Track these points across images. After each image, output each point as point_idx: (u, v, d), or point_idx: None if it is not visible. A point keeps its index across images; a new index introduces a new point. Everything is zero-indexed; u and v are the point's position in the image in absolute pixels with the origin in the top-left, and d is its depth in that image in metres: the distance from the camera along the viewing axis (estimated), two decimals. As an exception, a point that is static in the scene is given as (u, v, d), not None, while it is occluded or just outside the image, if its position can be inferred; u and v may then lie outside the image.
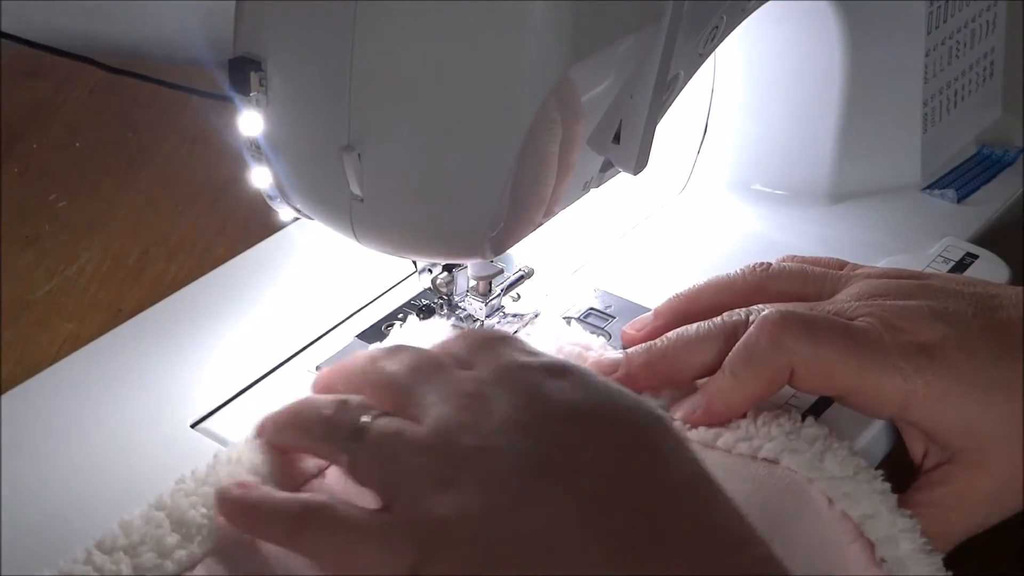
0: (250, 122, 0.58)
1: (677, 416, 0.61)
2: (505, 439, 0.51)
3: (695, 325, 0.63)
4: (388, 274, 0.72)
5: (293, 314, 0.70)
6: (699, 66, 0.65)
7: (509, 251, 0.64)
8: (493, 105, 0.55)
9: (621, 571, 0.47)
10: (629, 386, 0.61)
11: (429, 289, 0.68)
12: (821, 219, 0.81)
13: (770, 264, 0.67)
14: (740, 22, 0.67)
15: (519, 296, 0.70)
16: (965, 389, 0.59)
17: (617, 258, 0.76)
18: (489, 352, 0.55)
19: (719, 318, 0.62)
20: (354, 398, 0.55)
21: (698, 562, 0.48)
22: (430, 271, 0.68)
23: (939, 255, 0.75)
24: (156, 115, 0.96)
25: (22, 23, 0.95)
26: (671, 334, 0.63)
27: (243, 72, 0.57)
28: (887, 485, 0.58)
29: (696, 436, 0.60)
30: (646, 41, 0.58)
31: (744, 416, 0.61)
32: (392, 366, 0.56)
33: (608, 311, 0.70)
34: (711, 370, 0.62)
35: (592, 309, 0.70)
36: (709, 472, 0.51)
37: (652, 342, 0.63)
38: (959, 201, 0.83)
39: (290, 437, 0.57)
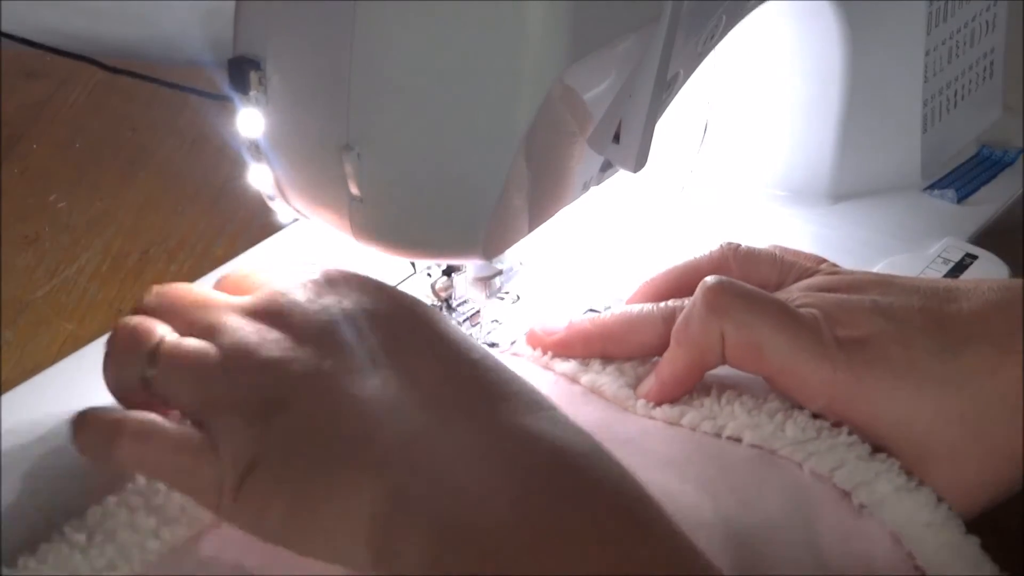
0: (249, 122, 0.58)
1: (639, 395, 0.62)
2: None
3: (639, 305, 0.64)
4: (388, 274, 0.72)
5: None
6: (698, 65, 0.65)
7: (508, 251, 0.64)
8: (492, 105, 0.55)
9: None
10: (565, 350, 0.65)
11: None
12: (821, 219, 0.81)
13: (739, 244, 0.66)
14: (740, 21, 0.67)
15: (519, 297, 0.70)
16: (896, 384, 0.57)
17: (617, 258, 0.76)
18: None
19: (662, 303, 0.64)
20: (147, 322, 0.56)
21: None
22: (429, 275, 0.68)
23: (939, 255, 0.75)
24: (156, 115, 0.96)
25: (22, 23, 0.95)
26: (616, 310, 0.65)
27: (242, 72, 0.57)
28: (854, 438, 0.58)
29: (661, 414, 0.61)
30: (645, 40, 0.58)
31: (708, 395, 0.61)
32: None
33: (608, 311, 0.70)
34: (648, 350, 0.63)
35: (592, 309, 0.70)
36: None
37: (596, 316, 0.65)
38: (959, 201, 0.83)
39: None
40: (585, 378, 0.64)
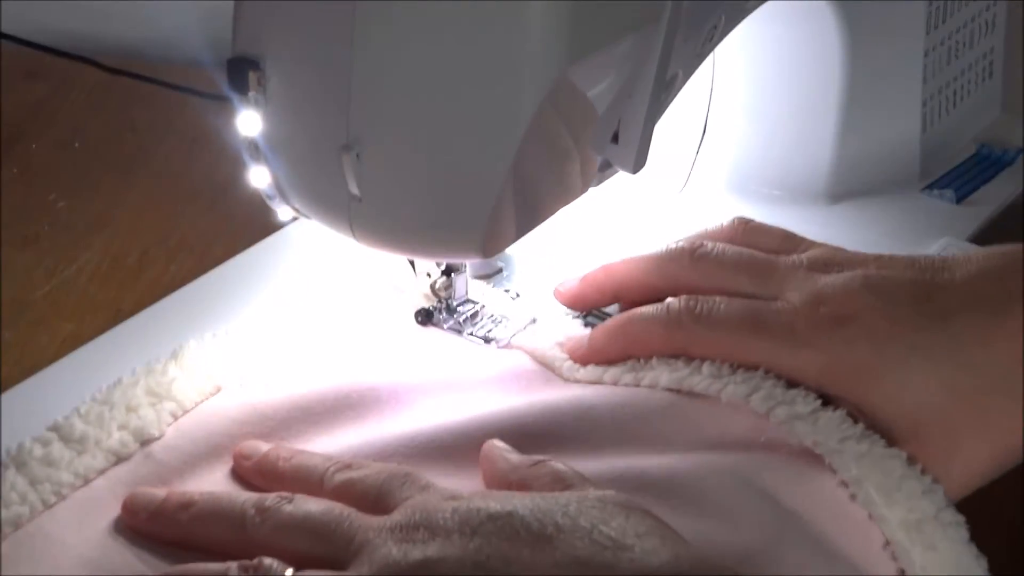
0: (248, 122, 0.58)
1: (566, 348, 0.64)
2: None
3: (648, 251, 0.66)
4: (387, 274, 0.72)
5: (292, 314, 0.70)
6: (698, 65, 0.65)
7: (508, 250, 0.64)
8: (492, 105, 0.55)
9: None
10: (581, 302, 0.67)
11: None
12: (820, 219, 0.81)
13: (751, 220, 0.67)
14: (739, 21, 0.67)
15: (518, 295, 0.70)
16: (883, 357, 0.58)
17: (616, 258, 0.76)
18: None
19: (672, 244, 0.65)
20: (266, 560, 0.50)
21: None
22: (428, 275, 0.68)
23: (938, 255, 0.75)
24: (155, 115, 0.96)
25: (22, 23, 0.94)
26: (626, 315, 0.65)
27: (241, 72, 0.57)
28: (771, 374, 0.60)
29: (585, 375, 0.63)
30: (645, 40, 0.58)
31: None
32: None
33: (607, 311, 0.70)
34: (657, 292, 0.64)
35: (592, 311, 0.70)
36: None
37: (607, 264, 0.67)
38: (958, 201, 0.83)
39: None
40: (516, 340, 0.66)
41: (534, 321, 0.68)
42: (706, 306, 0.61)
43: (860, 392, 0.58)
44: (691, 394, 0.60)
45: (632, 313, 0.63)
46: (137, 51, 1.03)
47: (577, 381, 0.63)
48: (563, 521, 0.48)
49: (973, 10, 0.87)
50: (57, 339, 0.72)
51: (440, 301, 0.68)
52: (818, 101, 0.81)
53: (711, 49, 0.65)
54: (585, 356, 0.64)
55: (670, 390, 0.61)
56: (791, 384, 0.60)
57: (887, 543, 0.55)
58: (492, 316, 0.68)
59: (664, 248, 0.66)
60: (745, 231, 0.66)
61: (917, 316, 0.58)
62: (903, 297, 0.59)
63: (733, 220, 0.67)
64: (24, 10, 0.98)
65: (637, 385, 0.61)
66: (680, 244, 0.65)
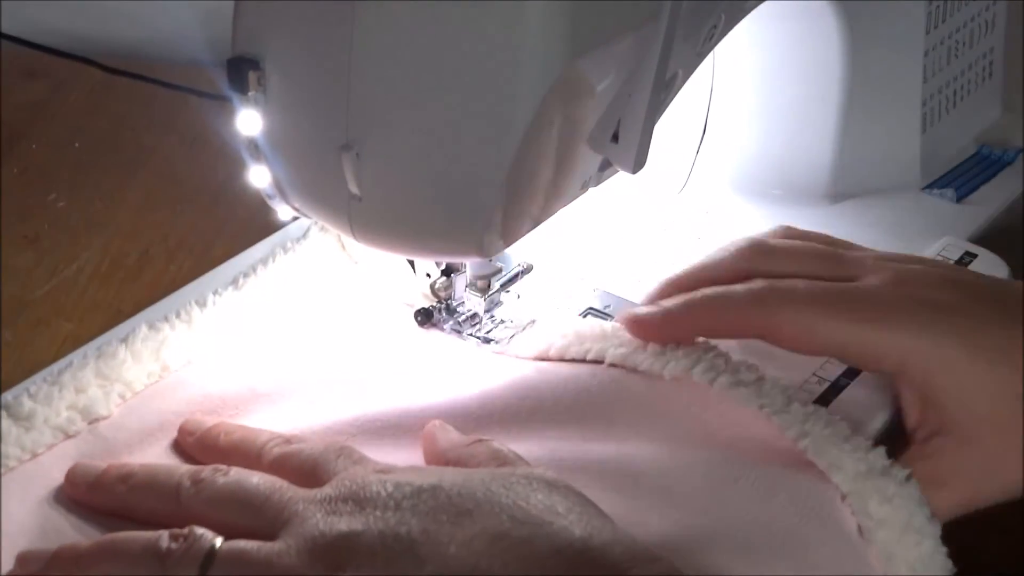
0: (248, 121, 0.58)
1: (620, 323, 0.63)
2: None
3: (720, 290, 0.63)
4: (387, 273, 0.72)
5: (291, 313, 0.70)
6: (698, 65, 0.65)
7: (507, 250, 0.64)
8: (491, 104, 0.55)
9: None
10: (667, 334, 0.62)
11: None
12: (820, 219, 0.81)
13: (771, 243, 0.65)
14: (739, 21, 0.67)
15: (519, 296, 0.70)
16: (969, 354, 0.58)
17: (616, 258, 0.76)
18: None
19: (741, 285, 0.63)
20: (197, 529, 0.51)
21: None
22: (428, 275, 0.68)
23: (938, 254, 0.75)
24: (155, 115, 0.96)
25: (22, 23, 0.95)
26: (704, 293, 0.63)
27: (241, 71, 0.57)
28: (713, 346, 0.61)
29: (529, 351, 0.65)
30: (644, 40, 0.58)
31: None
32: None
33: (607, 311, 0.70)
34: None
35: (591, 309, 0.70)
36: None
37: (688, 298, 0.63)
38: (958, 201, 0.83)
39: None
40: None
41: (533, 322, 0.68)
42: (788, 285, 0.60)
43: (937, 383, 0.58)
44: (636, 372, 0.61)
45: (714, 288, 0.62)
46: (137, 51, 1.03)
47: (524, 358, 0.64)
48: (484, 496, 0.49)
49: (973, 10, 0.87)
50: (57, 339, 0.73)
51: (440, 301, 0.68)
52: (818, 101, 0.81)
53: (711, 49, 0.65)
54: (659, 323, 0.62)
55: (613, 367, 0.61)
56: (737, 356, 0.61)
57: (844, 496, 0.56)
58: (492, 316, 0.68)
59: (731, 248, 0.64)
60: (794, 235, 0.66)
61: (1000, 315, 0.58)
62: (986, 297, 0.59)
63: (778, 228, 0.67)
64: (24, 10, 0.98)
65: (584, 359, 0.62)
66: (744, 242, 0.64)
